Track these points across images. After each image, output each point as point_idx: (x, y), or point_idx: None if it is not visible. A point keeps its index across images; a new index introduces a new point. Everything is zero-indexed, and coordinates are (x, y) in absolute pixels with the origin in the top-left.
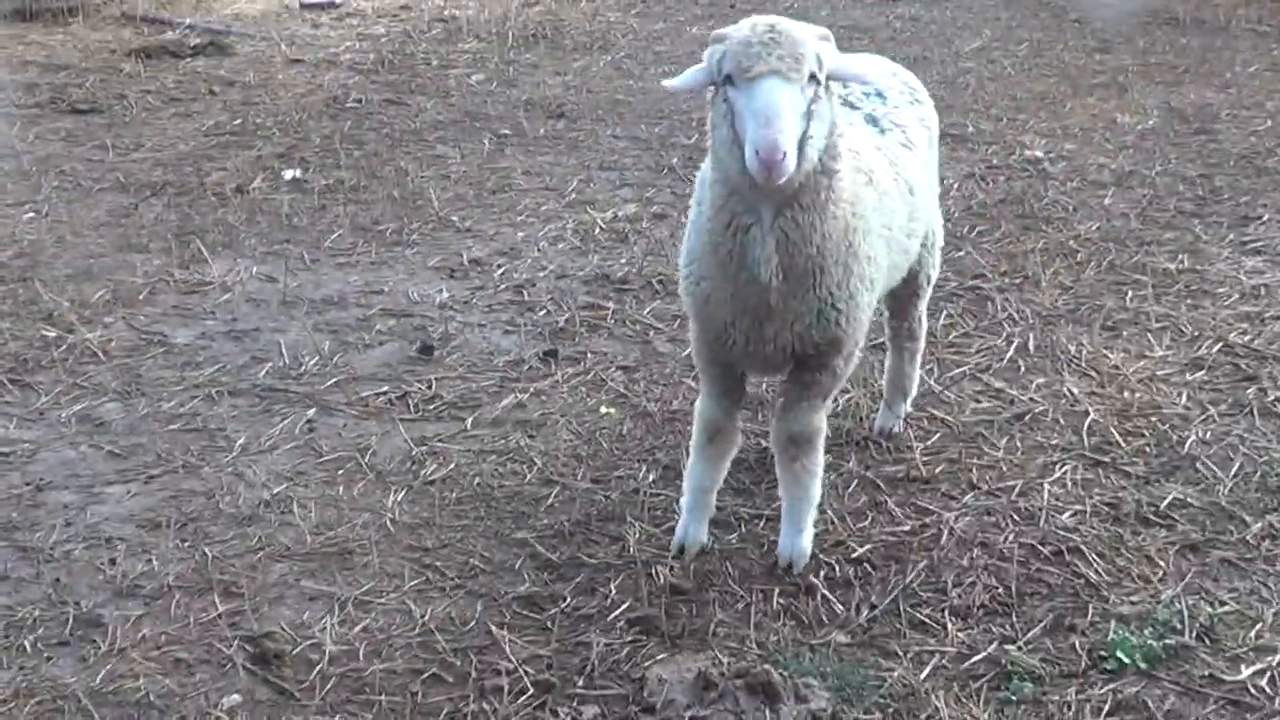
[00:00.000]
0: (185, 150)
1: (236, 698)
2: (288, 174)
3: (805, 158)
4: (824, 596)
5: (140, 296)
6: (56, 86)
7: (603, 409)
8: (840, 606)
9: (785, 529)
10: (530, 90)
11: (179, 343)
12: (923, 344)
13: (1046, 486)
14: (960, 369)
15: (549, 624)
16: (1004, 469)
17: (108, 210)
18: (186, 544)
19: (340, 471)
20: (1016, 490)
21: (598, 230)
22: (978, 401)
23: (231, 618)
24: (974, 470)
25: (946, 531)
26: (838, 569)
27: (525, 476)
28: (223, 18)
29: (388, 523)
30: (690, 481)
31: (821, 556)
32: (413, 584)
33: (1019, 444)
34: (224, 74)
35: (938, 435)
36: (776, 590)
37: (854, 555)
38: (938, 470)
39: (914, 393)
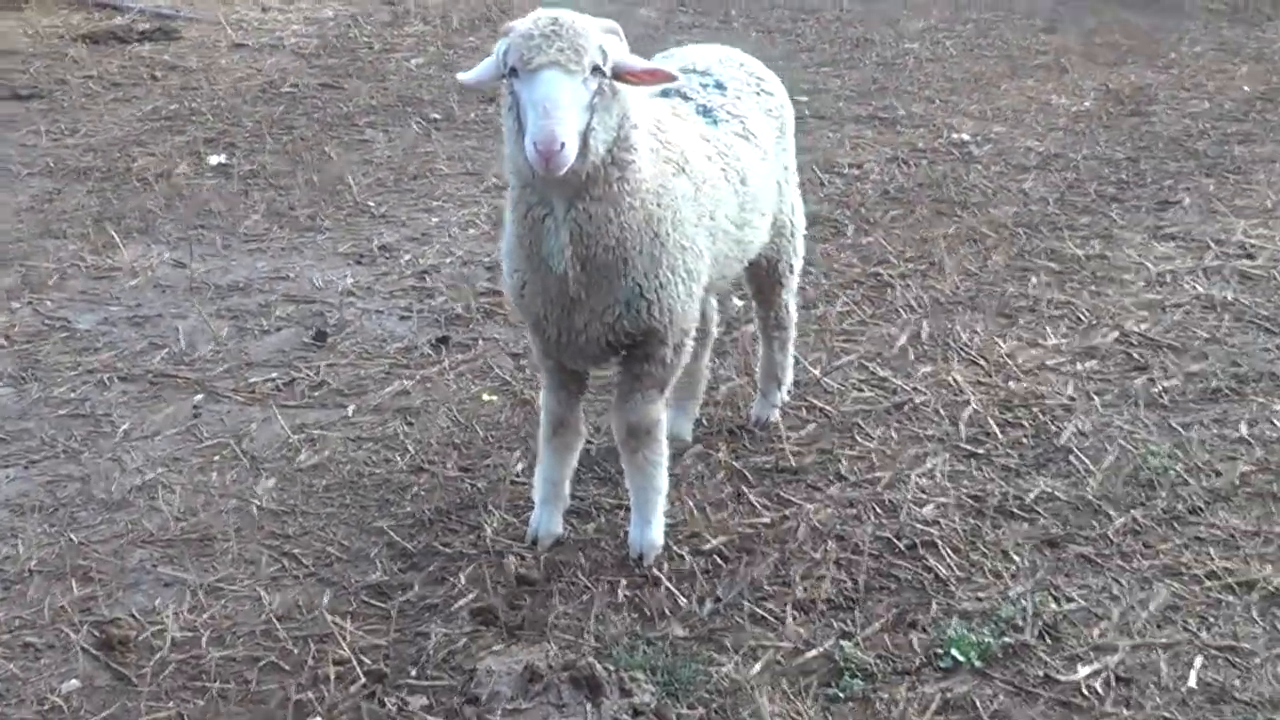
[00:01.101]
0: (119, 135)
1: (75, 683)
2: (213, 159)
3: (590, 149)
4: (668, 589)
5: (50, 282)
6: (1, 72)
7: (484, 396)
8: (684, 599)
9: (634, 520)
10: None
11: (81, 328)
12: (793, 332)
13: (913, 478)
14: (848, 357)
15: (392, 613)
16: (874, 460)
17: (32, 196)
18: (54, 529)
19: (216, 458)
20: (883, 482)
21: None
22: (860, 390)
23: (85, 603)
24: (843, 461)
25: (804, 524)
26: (687, 560)
27: (396, 464)
28: (172, 1)
29: (253, 509)
30: (540, 473)
31: (674, 548)
32: (268, 571)
33: (894, 434)
34: (168, 59)
35: (813, 425)
36: (624, 581)
37: (706, 547)
38: (807, 461)
39: (789, 381)
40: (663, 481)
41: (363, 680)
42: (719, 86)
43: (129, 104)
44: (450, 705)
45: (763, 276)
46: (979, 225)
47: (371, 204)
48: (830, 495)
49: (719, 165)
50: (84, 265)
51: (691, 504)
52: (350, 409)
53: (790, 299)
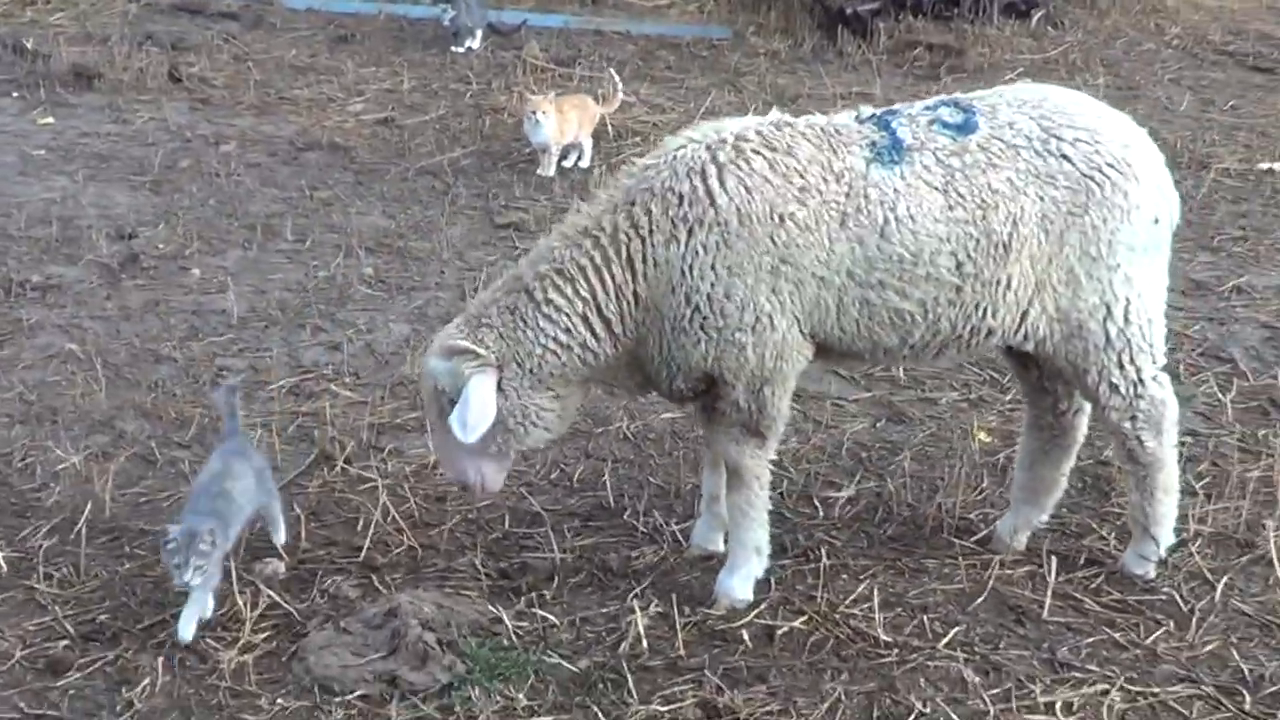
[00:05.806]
0: None
1: None
2: None
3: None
4: (679, 651)
5: None
6: None
7: (979, 433)
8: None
9: (727, 561)
10: None
11: None
12: (1160, 476)
13: None
14: None
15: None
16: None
17: None
18: None
19: None
20: None
21: None
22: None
23: None
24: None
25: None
26: (746, 634)
27: None
28: None
29: None
30: (704, 485)
31: (763, 611)
32: None
33: None
34: None
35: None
36: (659, 608)
37: (782, 628)
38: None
39: (1163, 536)
40: (753, 536)
41: None
42: (960, 128)
43: None
44: None
45: (1074, 384)
46: None
47: None
48: None
49: (827, 208)
50: None
51: (849, 587)
52: None
53: (1141, 431)
